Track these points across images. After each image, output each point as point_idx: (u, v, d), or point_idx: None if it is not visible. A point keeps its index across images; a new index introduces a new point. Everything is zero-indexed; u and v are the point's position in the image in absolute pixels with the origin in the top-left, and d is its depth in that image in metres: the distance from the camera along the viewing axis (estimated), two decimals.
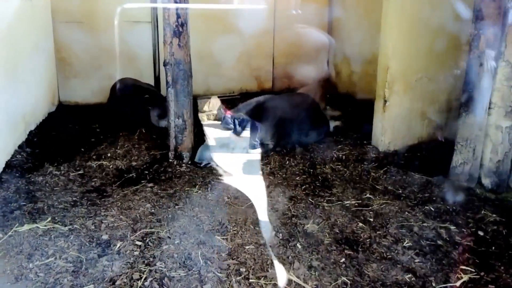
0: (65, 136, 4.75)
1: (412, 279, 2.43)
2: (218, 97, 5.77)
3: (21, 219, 2.95)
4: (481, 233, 2.95)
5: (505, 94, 3.39)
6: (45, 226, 2.86)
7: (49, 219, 2.95)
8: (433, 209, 3.23)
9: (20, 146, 4.21)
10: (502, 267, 2.55)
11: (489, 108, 3.47)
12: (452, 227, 2.97)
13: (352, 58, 6.36)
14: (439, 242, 2.80)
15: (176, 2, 3.69)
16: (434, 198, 3.41)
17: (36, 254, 2.58)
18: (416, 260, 2.60)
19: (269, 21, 6.88)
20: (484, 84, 3.44)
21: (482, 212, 3.20)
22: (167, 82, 3.87)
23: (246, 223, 2.99)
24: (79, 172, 3.78)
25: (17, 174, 3.69)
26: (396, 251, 2.69)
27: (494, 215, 3.14)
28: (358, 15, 6.23)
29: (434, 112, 4.43)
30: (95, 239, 2.73)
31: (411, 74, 4.23)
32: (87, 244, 2.68)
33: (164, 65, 3.83)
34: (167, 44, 3.78)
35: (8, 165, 3.79)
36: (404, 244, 2.75)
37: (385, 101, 4.24)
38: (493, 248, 2.75)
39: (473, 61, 3.45)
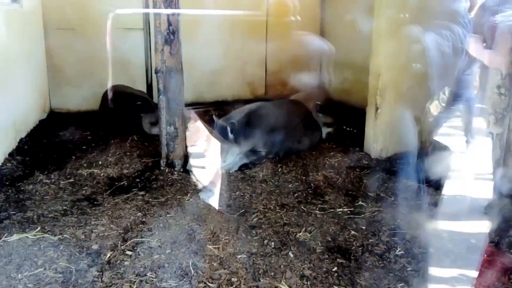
0: (56, 143, 4.71)
1: (405, 287, 2.43)
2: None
3: (10, 229, 2.91)
4: (473, 241, 2.95)
5: (495, 101, 3.41)
6: (35, 235, 2.82)
7: (39, 228, 2.91)
8: (425, 217, 3.23)
9: (10, 154, 4.17)
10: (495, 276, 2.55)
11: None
12: (445, 235, 2.97)
13: (344, 65, 6.39)
14: (431, 250, 2.80)
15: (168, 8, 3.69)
16: (426, 206, 3.41)
17: (25, 264, 2.54)
18: (409, 269, 2.59)
19: (262, 28, 6.91)
20: (475, 91, 3.47)
21: (475, 219, 3.20)
22: (158, 90, 3.85)
23: (238, 231, 2.97)
24: (70, 181, 3.74)
25: (7, 183, 3.64)
26: (388, 260, 2.68)
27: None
28: (350, 22, 6.26)
29: (426, 120, 4.45)
30: (85, 249, 2.70)
31: (403, 81, 4.25)
32: (77, 254, 2.64)
33: (156, 72, 3.81)
34: (159, 51, 3.76)
35: None
36: (396, 252, 2.75)
37: (377, 108, 4.26)
38: (485, 256, 2.75)
39: (464, 69, 3.48)
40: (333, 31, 6.86)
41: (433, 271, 2.58)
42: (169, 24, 3.67)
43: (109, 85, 5.73)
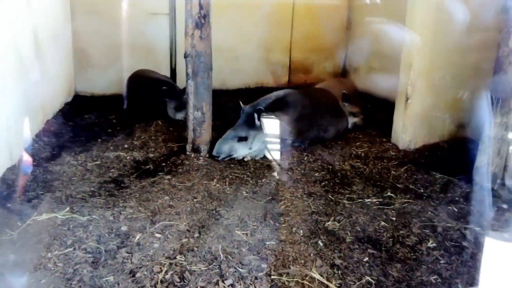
0: (82, 126, 4.74)
1: (438, 280, 2.37)
2: None
3: (40, 208, 2.93)
4: (506, 235, 2.87)
5: None
6: (64, 215, 2.84)
7: (68, 209, 2.92)
8: (456, 210, 3.16)
9: (37, 135, 4.20)
10: None
11: None
12: (477, 229, 2.89)
13: (371, 54, 6.26)
14: (464, 244, 2.73)
15: None
16: (457, 199, 3.33)
17: (55, 243, 2.55)
18: (441, 261, 2.53)
19: (288, 13, 6.79)
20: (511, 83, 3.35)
21: (506, 214, 3.11)
22: (187, 74, 3.82)
23: (266, 218, 2.94)
24: (97, 163, 3.75)
25: (34, 163, 3.67)
26: (420, 252, 2.62)
27: None
28: (379, 9, 6.13)
29: (457, 111, 4.33)
30: (114, 230, 2.70)
31: (435, 71, 4.13)
32: (106, 235, 2.65)
33: (185, 57, 3.78)
34: (188, 35, 3.72)
35: (26, 153, 3.78)
36: (428, 245, 2.68)
37: (407, 99, 4.16)
38: None
39: (501, 59, 3.35)
40: (359, 18, 6.72)
41: (467, 265, 2.51)
42: (201, 7, 3.62)
43: (134, 69, 5.74)
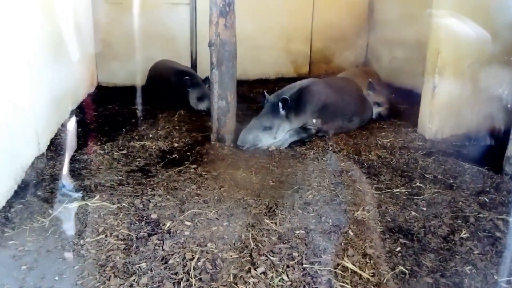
0: (106, 116, 4.77)
1: (473, 271, 2.32)
2: None
3: (69, 196, 2.96)
4: None
5: None
6: (94, 203, 2.86)
7: (97, 196, 2.94)
8: (487, 200, 3.09)
9: (63, 125, 4.24)
10: None
11: None
12: (511, 219, 2.83)
13: (394, 43, 6.16)
14: (498, 234, 2.67)
15: None
16: (488, 189, 3.26)
17: (87, 230, 2.57)
18: (476, 252, 2.48)
19: (308, 2, 6.71)
20: None
21: None
22: (211, 63, 3.80)
23: (294, 207, 2.92)
24: (123, 152, 3.77)
25: (61, 152, 3.71)
26: (453, 242, 2.57)
27: None
28: None
29: (486, 100, 4.23)
30: (144, 217, 2.71)
31: (463, 59, 4.04)
32: (137, 222, 2.66)
33: (209, 45, 3.76)
34: (213, 24, 3.70)
35: (53, 143, 3.82)
36: (461, 235, 2.63)
37: (434, 87, 4.08)
38: None
39: None
40: (382, 5, 6.60)
41: (503, 256, 2.46)
42: None
43: (155, 60, 5.75)
